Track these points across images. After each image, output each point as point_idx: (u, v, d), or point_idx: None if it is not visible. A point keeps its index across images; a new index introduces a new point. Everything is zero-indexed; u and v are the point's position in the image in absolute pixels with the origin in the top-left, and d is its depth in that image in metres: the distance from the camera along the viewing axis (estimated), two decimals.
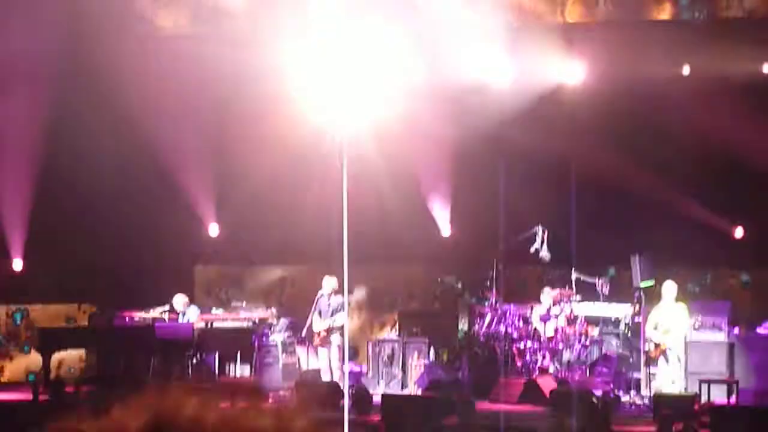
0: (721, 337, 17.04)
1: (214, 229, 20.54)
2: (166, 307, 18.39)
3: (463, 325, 19.35)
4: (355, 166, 14.46)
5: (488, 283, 18.19)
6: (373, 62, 15.67)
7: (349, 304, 17.28)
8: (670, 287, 17.01)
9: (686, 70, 17.74)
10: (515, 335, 17.81)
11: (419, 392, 17.26)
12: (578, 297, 17.92)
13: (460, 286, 20.37)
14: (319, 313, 17.69)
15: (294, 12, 16.54)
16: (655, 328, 16.91)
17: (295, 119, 16.10)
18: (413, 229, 18.99)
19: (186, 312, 18.39)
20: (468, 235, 19.13)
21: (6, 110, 17.62)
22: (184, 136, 18.88)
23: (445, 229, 19.79)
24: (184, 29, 18.79)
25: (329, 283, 17.56)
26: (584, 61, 17.79)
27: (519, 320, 17.95)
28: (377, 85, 15.76)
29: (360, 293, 20.16)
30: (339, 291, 17.31)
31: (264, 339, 18.35)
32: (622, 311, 18.05)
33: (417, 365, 18.21)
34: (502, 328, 17.70)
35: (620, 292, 18.13)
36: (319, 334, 17.71)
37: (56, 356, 18.42)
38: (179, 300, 18.39)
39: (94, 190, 18.70)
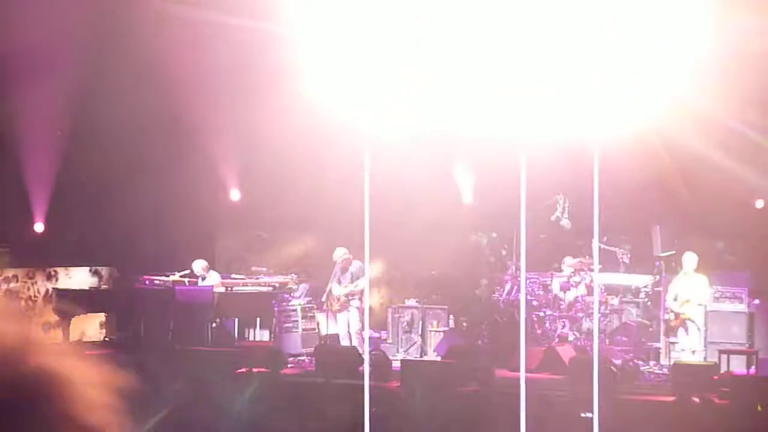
0: (741, 307, 17.05)
1: (235, 195, 20.62)
2: (187, 272, 18.46)
3: (482, 292, 19.37)
4: (378, 136, 14.45)
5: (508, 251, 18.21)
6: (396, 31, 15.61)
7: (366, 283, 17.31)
8: (690, 258, 17.00)
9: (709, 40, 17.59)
10: (535, 303, 17.83)
11: (438, 359, 17.31)
12: (600, 266, 17.90)
13: (485, 242, 20.34)
14: (338, 281, 17.79)
15: None
16: (675, 299, 16.91)
17: (320, 88, 16.07)
18: (435, 197, 18.98)
19: (206, 276, 18.45)
20: (489, 203, 19.11)
21: (34, 79, 17.67)
22: (208, 103, 18.89)
23: (467, 197, 19.81)
24: None
25: (339, 254, 17.74)
26: None
27: (539, 288, 17.97)
28: (401, 54, 15.71)
29: (378, 268, 20.15)
30: (355, 258, 17.43)
31: (284, 304, 18.41)
32: (642, 281, 18.05)
33: (436, 332, 18.28)
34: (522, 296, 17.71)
35: (641, 262, 18.09)
36: (338, 299, 17.80)
37: (78, 326, 18.50)
38: (199, 264, 18.45)
39: (117, 154, 18.73)
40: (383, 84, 15.37)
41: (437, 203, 19.12)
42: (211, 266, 18.71)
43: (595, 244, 14.70)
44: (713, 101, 17.28)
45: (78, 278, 19.77)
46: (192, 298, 17.95)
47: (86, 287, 19.38)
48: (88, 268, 19.87)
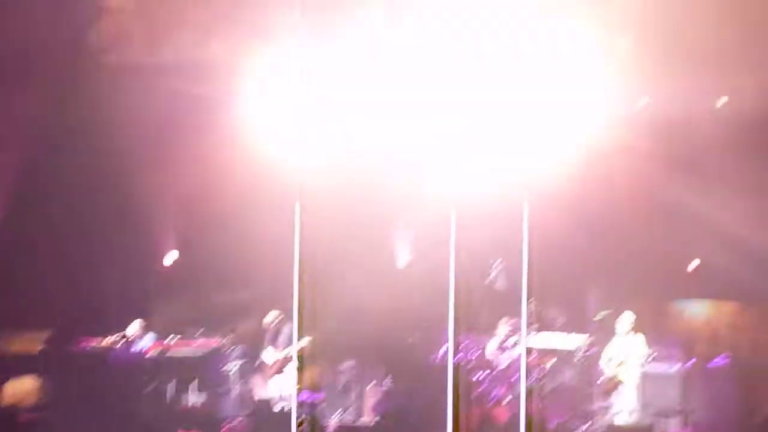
0: (675, 369, 17.04)
1: (172, 256, 20.53)
2: (122, 334, 18.30)
3: (419, 354, 19.28)
4: (312, 197, 14.41)
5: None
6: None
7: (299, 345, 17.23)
8: (625, 319, 17.02)
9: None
10: (471, 365, 17.76)
11: (375, 421, 17.22)
12: (535, 327, 17.84)
13: (422, 302, 20.25)
14: (272, 344, 17.74)
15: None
16: (611, 360, 16.92)
17: (256, 148, 16.04)
18: (369, 259, 18.97)
19: (142, 338, 18.31)
20: (423, 266, 19.09)
21: None
22: (146, 164, 18.86)
23: (402, 261, 19.82)
24: (148, 60, 18.77)
25: (272, 317, 17.71)
26: None
27: (475, 350, 17.91)
28: (341, 115, 15.70)
29: (313, 330, 19.99)
30: (289, 321, 17.35)
31: (219, 367, 18.28)
32: (578, 342, 18.02)
33: (373, 393, 18.18)
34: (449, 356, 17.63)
35: (576, 322, 18.10)
36: (273, 363, 17.72)
37: (11, 391, 18.25)
38: (135, 326, 18.32)
39: (55, 216, 18.65)
40: (321, 140, 15.32)
41: (373, 263, 19.11)
42: (146, 329, 18.55)
43: (524, 307, 14.68)
44: (649, 161, 17.42)
45: (10, 342, 19.53)
46: (126, 362, 17.79)
47: (18, 351, 19.13)
48: (20, 332, 19.64)
